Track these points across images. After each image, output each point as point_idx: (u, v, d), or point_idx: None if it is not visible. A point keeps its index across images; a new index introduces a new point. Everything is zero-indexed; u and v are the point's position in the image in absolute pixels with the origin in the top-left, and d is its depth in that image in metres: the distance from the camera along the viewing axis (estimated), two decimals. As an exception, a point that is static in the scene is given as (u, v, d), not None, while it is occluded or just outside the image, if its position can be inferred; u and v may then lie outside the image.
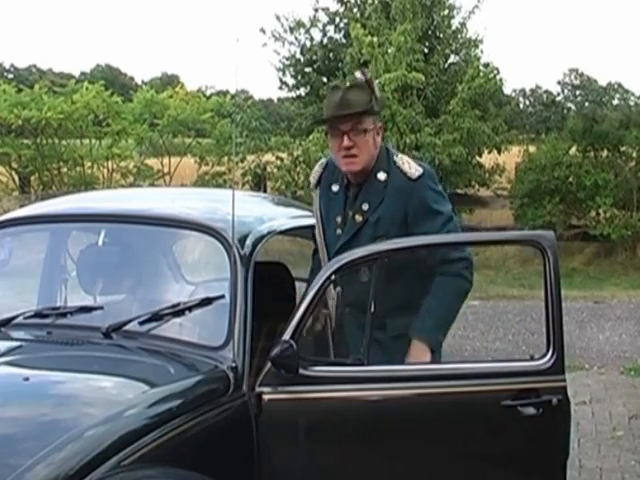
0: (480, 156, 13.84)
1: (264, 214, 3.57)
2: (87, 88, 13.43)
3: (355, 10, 15.28)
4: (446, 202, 3.22)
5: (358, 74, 3.28)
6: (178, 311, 3.08)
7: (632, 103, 28.88)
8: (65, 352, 3.12)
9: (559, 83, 48.92)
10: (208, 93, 18.32)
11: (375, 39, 12.32)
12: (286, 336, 2.78)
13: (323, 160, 3.41)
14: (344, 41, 15.16)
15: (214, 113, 14.34)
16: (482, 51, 14.47)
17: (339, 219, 3.24)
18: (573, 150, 12.51)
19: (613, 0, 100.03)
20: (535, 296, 9.03)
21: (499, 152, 13.81)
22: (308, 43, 15.66)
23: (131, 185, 13.22)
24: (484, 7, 21.49)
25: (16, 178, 13.70)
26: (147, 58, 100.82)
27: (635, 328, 8.41)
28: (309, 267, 3.53)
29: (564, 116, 29.73)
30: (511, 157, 13.78)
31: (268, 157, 14.00)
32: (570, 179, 12.12)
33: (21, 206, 7.31)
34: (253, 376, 2.87)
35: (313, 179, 3.38)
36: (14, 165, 13.63)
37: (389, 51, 12.41)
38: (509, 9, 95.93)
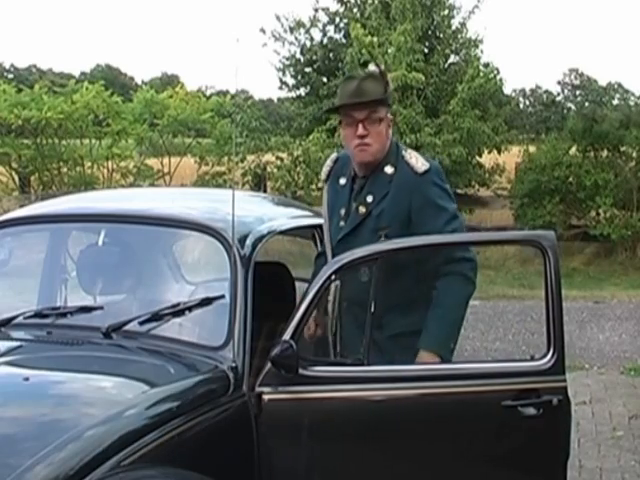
0: (480, 156, 13.84)
1: (264, 214, 3.57)
2: (87, 88, 13.43)
3: (355, 10, 15.28)
4: (451, 200, 3.21)
5: (372, 67, 3.30)
6: (178, 311, 3.08)
7: (632, 103, 28.87)
8: (65, 352, 3.12)
9: (559, 83, 48.98)
10: (208, 93, 18.33)
11: (375, 39, 12.32)
12: (286, 336, 2.78)
13: (334, 155, 3.43)
14: (344, 41, 15.16)
15: (214, 113, 14.33)
16: (482, 51, 14.49)
17: (343, 211, 3.24)
18: (573, 150, 12.51)
19: (613, 0, 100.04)
20: (535, 296, 9.02)
21: (499, 152, 13.81)
22: (308, 43, 15.66)
23: (131, 185, 13.21)
24: (484, 7, 21.49)
25: (16, 178, 13.69)
26: (147, 58, 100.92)
27: (635, 328, 8.41)
28: (310, 268, 3.52)
29: (564, 116, 29.74)
30: (511, 157, 13.78)
31: (268, 157, 14.00)
32: (570, 179, 12.12)
33: (21, 206, 7.31)
34: (253, 376, 2.87)
35: (324, 174, 3.39)
36: (14, 165, 13.62)
37: (389, 51, 12.42)
38: (509, 9, 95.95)
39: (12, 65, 48.36)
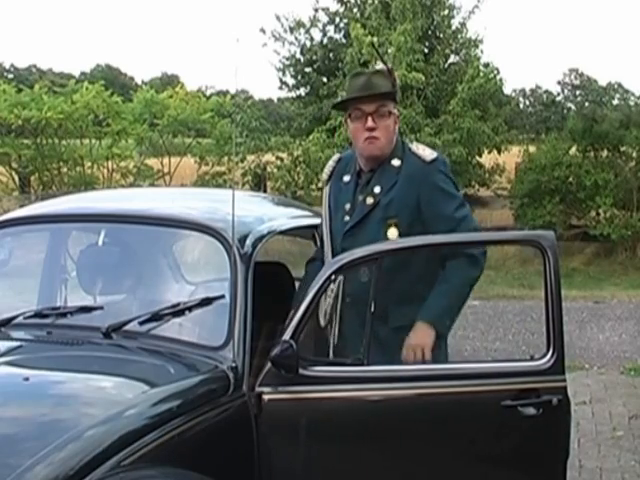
0: (480, 156, 13.85)
1: (264, 214, 3.57)
2: (87, 88, 13.43)
3: (355, 10, 15.28)
4: (458, 189, 3.28)
5: (380, 64, 3.37)
6: (178, 311, 3.08)
7: (632, 103, 28.90)
8: (65, 352, 3.12)
9: (559, 83, 49.00)
10: (208, 93, 18.33)
11: (375, 39, 12.32)
12: (286, 336, 2.78)
13: (337, 155, 3.44)
14: (344, 41, 15.16)
15: (214, 113, 14.33)
16: (482, 51, 14.51)
17: (347, 206, 3.24)
18: (573, 150, 12.51)
19: (613, 0, 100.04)
20: (535, 296, 9.03)
21: (499, 152, 13.82)
22: (308, 43, 15.67)
23: (131, 185, 13.22)
24: (484, 7, 21.52)
25: (16, 178, 13.69)
26: (147, 58, 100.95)
27: (635, 328, 8.41)
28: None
29: (564, 116, 29.75)
30: (511, 157, 13.78)
31: (268, 157, 14.00)
32: (570, 179, 12.12)
33: (21, 206, 7.31)
34: (253, 376, 2.87)
35: (325, 174, 3.39)
36: (14, 165, 13.62)
37: (389, 51, 12.41)
38: (509, 9, 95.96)
39: (12, 65, 48.43)
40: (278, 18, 15.33)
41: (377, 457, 2.84)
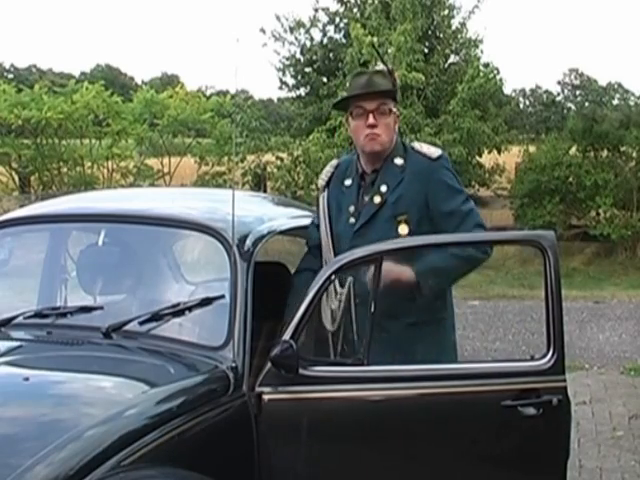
0: (480, 156, 13.87)
1: (264, 214, 3.57)
2: (87, 88, 13.44)
3: (355, 10, 15.31)
4: (459, 182, 3.30)
5: (380, 65, 3.42)
6: (178, 311, 3.08)
7: (632, 103, 28.91)
8: (65, 352, 3.12)
9: (559, 83, 49.03)
10: (208, 93, 18.36)
11: (375, 39, 12.32)
12: (286, 336, 2.78)
13: (334, 161, 3.45)
14: (344, 41, 15.19)
15: (214, 113, 14.35)
16: (482, 51, 14.56)
17: (352, 208, 3.24)
18: (573, 150, 12.53)
19: (613, 0, 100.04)
20: (535, 296, 9.03)
21: (499, 152, 13.84)
22: (308, 43, 15.69)
23: (131, 185, 13.23)
24: (484, 7, 21.56)
25: (16, 178, 13.72)
26: (147, 58, 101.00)
27: (635, 328, 8.41)
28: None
29: (564, 116, 29.78)
30: (511, 157, 13.81)
31: (268, 157, 14.01)
32: (570, 179, 12.14)
33: (21, 206, 7.31)
34: (253, 376, 2.87)
35: (322, 180, 3.38)
36: (14, 165, 13.65)
37: (389, 51, 12.42)
38: (509, 9, 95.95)
39: (12, 65, 48.46)
40: (278, 18, 15.37)
41: (377, 457, 2.84)
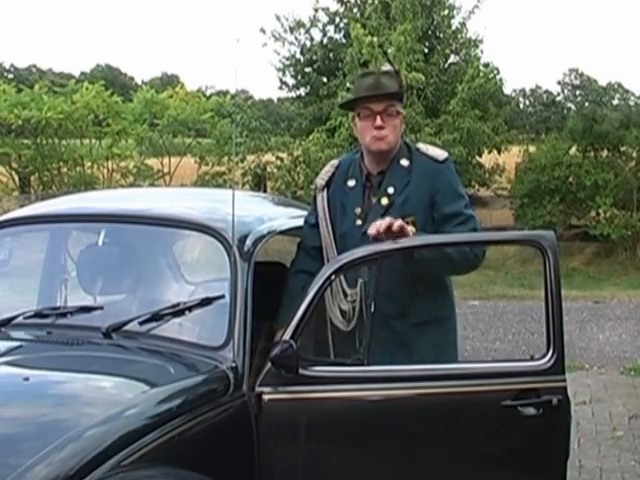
0: (480, 156, 13.87)
1: (264, 214, 3.57)
2: (87, 88, 13.44)
3: (355, 10, 15.31)
4: (462, 186, 3.34)
5: (387, 65, 3.42)
6: (178, 311, 3.08)
7: (632, 103, 28.85)
8: (65, 352, 3.12)
9: (559, 83, 49.02)
10: (208, 93, 18.35)
11: (375, 39, 12.33)
12: (286, 336, 2.78)
13: (335, 161, 3.42)
14: (344, 41, 15.19)
15: (214, 113, 14.35)
16: (482, 51, 14.57)
17: (358, 210, 3.23)
18: (573, 150, 12.53)
19: (613, 0, 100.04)
20: (535, 296, 9.03)
21: (499, 152, 13.84)
22: (308, 43, 15.70)
23: (131, 185, 13.23)
24: (484, 7, 21.57)
25: (16, 178, 13.72)
26: (147, 58, 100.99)
27: (635, 328, 8.41)
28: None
29: (564, 116, 29.78)
30: (511, 157, 13.81)
31: (268, 157, 14.01)
32: (570, 179, 12.14)
33: (21, 206, 7.31)
34: (253, 376, 2.87)
35: (322, 180, 3.35)
36: (14, 165, 13.64)
37: (389, 51, 12.42)
38: (509, 9, 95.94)
39: (12, 65, 48.44)
40: (278, 18, 15.38)
41: (377, 457, 2.84)
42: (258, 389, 2.82)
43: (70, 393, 2.71)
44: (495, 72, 13.64)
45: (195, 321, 3.13)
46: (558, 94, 46.92)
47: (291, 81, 16.09)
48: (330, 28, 15.82)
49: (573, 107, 39.09)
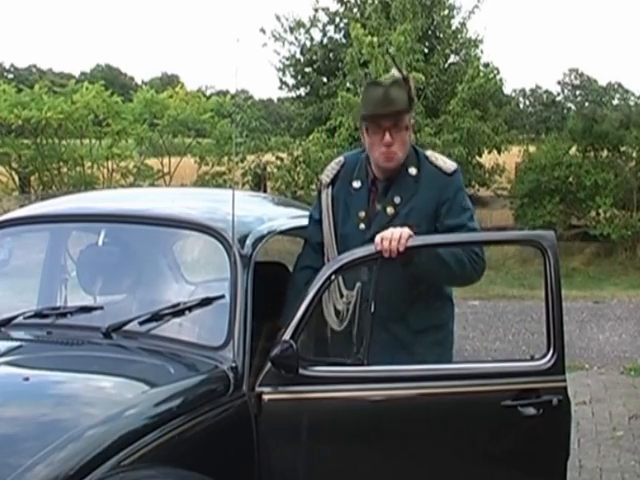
0: (480, 156, 13.86)
1: (264, 214, 3.57)
2: (87, 88, 13.44)
3: (355, 10, 15.30)
4: (469, 199, 3.29)
5: (395, 72, 3.32)
6: (178, 311, 3.08)
7: (632, 103, 28.84)
8: (65, 352, 3.12)
9: (559, 83, 49.00)
10: (208, 93, 18.35)
11: (375, 39, 12.32)
12: (286, 336, 2.78)
13: (340, 158, 3.39)
14: (344, 41, 15.18)
15: (214, 113, 14.34)
16: (482, 51, 14.55)
17: (362, 214, 3.21)
18: (573, 150, 12.52)
19: (613, 0, 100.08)
20: (535, 296, 9.04)
21: (499, 152, 13.83)
22: (308, 43, 15.69)
23: (131, 185, 13.22)
24: (484, 7, 21.56)
25: (16, 178, 13.71)
26: (147, 58, 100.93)
27: (635, 328, 8.41)
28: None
29: (564, 116, 29.77)
30: (511, 157, 13.80)
31: (268, 157, 14.01)
32: (570, 179, 12.13)
33: (21, 206, 7.31)
34: (253, 376, 2.87)
35: (327, 177, 3.32)
36: (14, 165, 13.64)
37: (389, 51, 12.42)
38: (509, 9, 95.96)
39: (12, 65, 48.38)
40: (278, 18, 15.37)
41: (377, 457, 2.84)
42: (258, 389, 2.82)
43: (70, 393, 2.71)
44: (495, 72, 13.65)
45: (195, 321, 3.13)
46: (558, 94, 46.94)
47: (291, 81, 16.09)
48: (330, 28, 15.82)
49: (573, 107, 39.09)
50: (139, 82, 38.65)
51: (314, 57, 15.59)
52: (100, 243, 3.48)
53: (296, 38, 15.59)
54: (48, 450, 2.25)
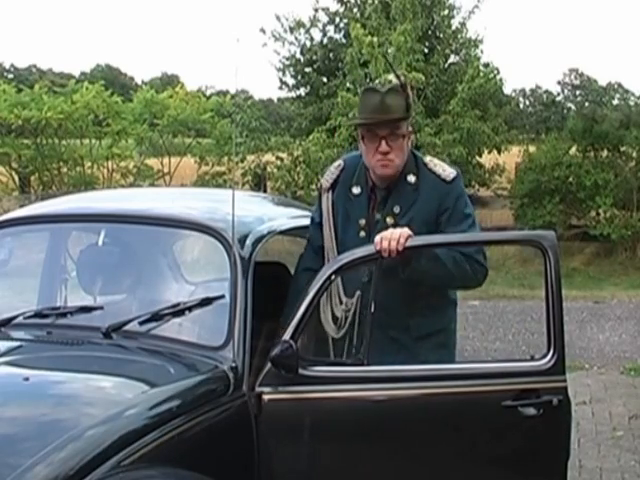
0: (480, 156, 13.85)
1: (264, 214, 3.57)
2: (87, 88, 13.44)
3: (355, 10, 15.29)
4: (470, 204, 3.25)
5: (393, 78, 3.26)
6: (178, 311, 3.08)
7: (632, 103, 28.83)
8: (65, 352, 3.12)
9: (559, 83, 48.96)
10: (208, 93, 18.35)
11: (375, 39, 12.31)
12: (286, 336, 2.78)
13: (340, 162, 3.35)
14: (344, 41, 15.17)
15: (214, 113, 14.34)
16: (482, 51, 14.53)
17: (362, 222, 3.18)
18: (573, 150, 12.52)
19: (613, 0, 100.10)
20: (535, 296, 9.03)
21: (499, 152, 13.82)
22: (308, 43, 15.68)
23: (131, 185, 13.22)
24: (484, 7, 21.56)
25: (16, 178, 13.71)
26: (147, 58, 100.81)
27: (635, 328, 8.41)
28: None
29: (564, 116, 29.79)
30: (511, 157, 13.79)
31: (268, 157, 14.00)
32: (570, 179, 12.13)
33: (21, 206, 7.31)
34: (253, 376, 2.87)
35: (326, 182, 3.29)
36: (14, 165, 13.63)
37: (389, 51, 12.41)
38: (509, 9, 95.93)
39: (12, 65, 48.34)
40: (278, 18, 15.35)
41: (377, 457, 2.84)
42: (258, 389, 2.82)
43: (70, 393, 2.71)
44: (495, 72, 13.63)
45: (195, 321, 3.13)
46: (558, 94, 46.91)
47: (291, 81, 16.07)
48: (330, 28, 15.80)
49: (573, 107, 39.08)
50: (139, 82, 38.65)
51: (314, 57, 15.58)
52: (100, 243, 3.48)
53: (296, 38, 15.59)
54: (48, 450, 2.26)
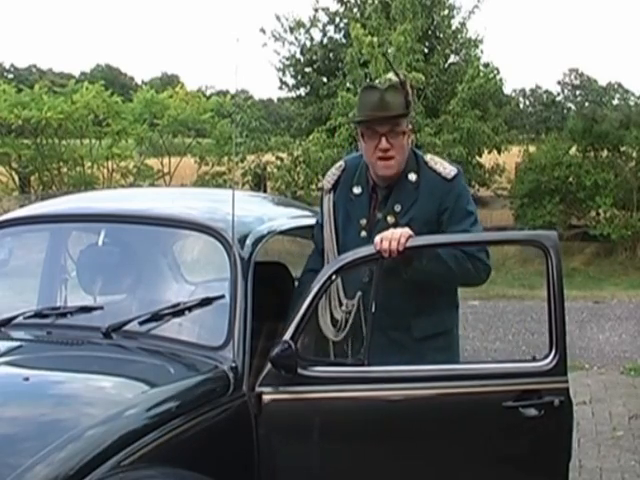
0: (480, 156, 13.85)
1: (264, 214, 3.57)
2: (87, 88, 13.43)
3: (355, 10, 15.28)
4: (472, 201, 3.23)
5: (392, 76, 3.24)
6: (178, 311, 3.08)
7: (632, 103, 28.81)
8: (65, 352, 3.12)
9: (559, 83, 48.95)
10: (208, 93, 18.33)
11: (375, 39, 12.31)
12: (286, 336, 2.78)
13: (341, 163, 3.33)
14: (344, 41, 15.16)
15: (214, 113, 14.34)
16: (482, 51, 14.51)
17: (364, 221, 3.17)
18: (573, 150, 12.51)
19: (613, 0, 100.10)
20: (535, 296, 9.04)
21: (499, 152, 13.81)
22: (308, 43, 15.66)
23: (131, 185, 13.22)
24: (484, 7, 21.55)
25: (16, 178, 13.70)
26: (147, 58, 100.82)
27: (635, 328, 8.41)
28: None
29: (564, 116, 29.78)
30: (511, 157, 13.79)
31: (268, 157, 14.00)
32: (570, 179, 12.12)
33: (21, 206, 7.31)
34: (253, 376, 2.87)
35: (328, 183, 3.28)
36: (14, 165, 13.63)
37: (389, 51, 12.40)
38: (509, 9, 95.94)
39: (12, 65, 48.33)
40: (278, 18, 15.34)
41: (377, 457, 2.84)
42: (258, 389, 2.82)
43: (70, 393, 2.71)
44: (495, 72, 13.62)
45: (195, 321, 3.13)
46: (558, 94, 46.90)
47: (291, 81, 16.06)
48: (330, 28, 15.79)
49: (573, 107, 39.08)
50: (139, 82, 38.63)
51: (314, 57, 15.57)
52: (100, 243, 3.48)
53: (296, 38, 15.58)
54: (48, 450, 2.25)
